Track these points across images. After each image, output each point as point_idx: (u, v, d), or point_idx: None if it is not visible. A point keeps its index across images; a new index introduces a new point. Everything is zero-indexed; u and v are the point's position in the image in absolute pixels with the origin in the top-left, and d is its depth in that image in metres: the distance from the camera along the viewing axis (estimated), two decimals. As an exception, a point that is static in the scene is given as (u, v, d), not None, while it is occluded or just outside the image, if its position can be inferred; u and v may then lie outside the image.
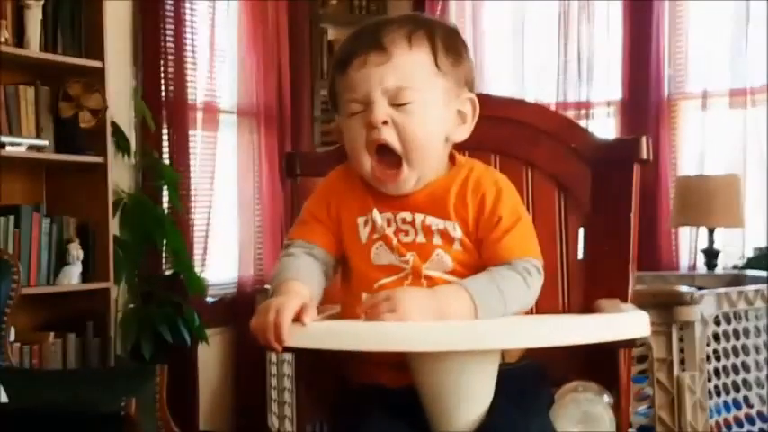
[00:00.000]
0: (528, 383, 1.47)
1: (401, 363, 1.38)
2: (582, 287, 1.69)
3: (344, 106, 1.45)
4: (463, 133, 1.50)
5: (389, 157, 1.44)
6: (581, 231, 1.73)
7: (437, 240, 1.44)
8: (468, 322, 1.37)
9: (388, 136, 1.42)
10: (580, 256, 1.72)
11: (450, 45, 1.47)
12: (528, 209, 1.71)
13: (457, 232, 1.44)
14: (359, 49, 1.43)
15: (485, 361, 1.38)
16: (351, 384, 1.52)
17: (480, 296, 1.37)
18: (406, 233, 1.45)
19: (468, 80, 1.50)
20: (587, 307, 1.62)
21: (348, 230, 1.49)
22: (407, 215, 1.46)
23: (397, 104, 1.42)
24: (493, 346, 1.35)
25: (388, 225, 1.46)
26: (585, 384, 1.50)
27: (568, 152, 1.72)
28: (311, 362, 1.61)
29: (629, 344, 1.47)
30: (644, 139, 1.69)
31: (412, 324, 1.35)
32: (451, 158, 1.52)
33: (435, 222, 1.45)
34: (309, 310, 1.33)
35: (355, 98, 1.43)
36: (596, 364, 1.53)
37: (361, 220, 1.48)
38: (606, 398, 1.49)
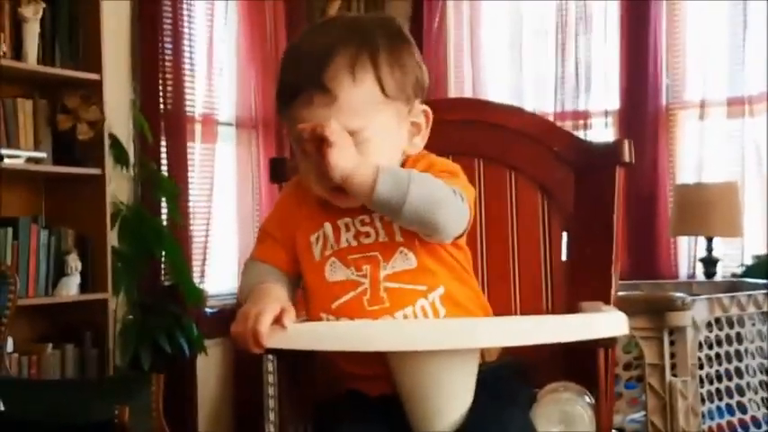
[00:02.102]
0: (508, 382, 1.48)
1: (383, 369, 1.39)
2: (565, 289, 1.70)
3: (292, 140, 1.42)
4: (419, 143, 1.48)
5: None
6: (564, 234, 1.74)
7: (399, 237, 1.42)
8: (446, 321, 1.38)
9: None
10: (563, 258, 1.73)
11: (394, 60, 1.41)
12: (512, 212, 1.73)
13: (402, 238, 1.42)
14: (302, 84, 1.37)
15: (465, 360, 1.39)
16: (332, 390, 1.52)
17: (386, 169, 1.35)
18: (367, 234, 1.43)
19: (417, 88, 1.45)
20: (570, 309, 1.63)
21: (302, 249, 1.48)
22: (366, 217, 1.44)
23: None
24: (472, 345, 1.36)
25: (347, 230, 1.44)
26: (566, 384, 1.50)
27: (551, 155, 1.73)
28: (293, 367, 1.61)
29: (608, 343, 1.48)
30: (626, 142, 1.70)
31: (390, 324, 1.36)
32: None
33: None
34: (289, 312, 1.34)
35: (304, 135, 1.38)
36: (577, 364, 1.54)
37: (313, 237, 1.47)
38: (587, 398, 1.49)
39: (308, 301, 1.48)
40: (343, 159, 1.33)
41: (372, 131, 1.39)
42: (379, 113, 1.40)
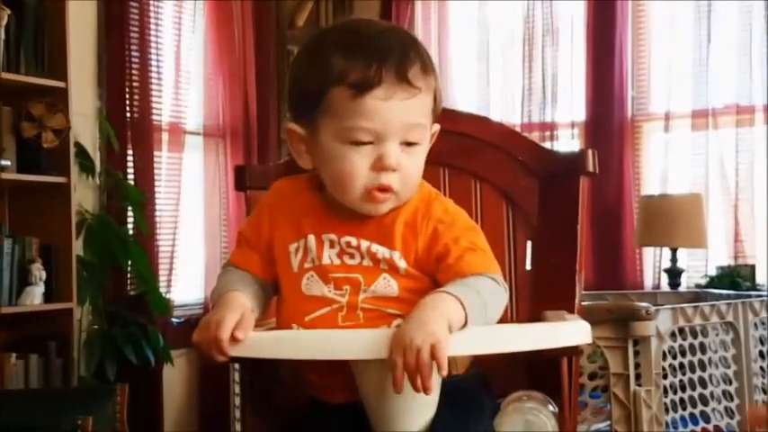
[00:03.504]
0: (471, 393, 1.47)
1: (347, 377, 1.38)
2: (529, 299, 1.71)
3: (346, 131, 1.36)
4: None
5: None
6: (529, 243, 1.75)
7: (383, 265, 1.41)
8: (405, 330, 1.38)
9: (393, 181, 1.38)
10: (528, 267, 1.74)
11: (437, 75, 1.43)
12: (477, 222, 1.73)
13: (402, 262, 1.41)
14: (383, 77, 1.33)
15: (429, 370, 1.39)
16: (297, 398, 1.52)
17: (465, 298, 1.33)
18: (352, 256, 1.42)
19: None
20: (534, 318, 1.64)
21: (280, 257, 1.46)
22: (353, 239, 1.42)
23: (406, 143, 1.37)
24: (435, 354, 1.36)
25: (332, 246, 1.42)
26: (530, 394, 1.50)
27: (515, 165, 1.74)
28: (258, 376, 1.61)
29: (572, 352, 1.49)
30: (590, 152, 1.71)
31: (352, 333, 1.36)
32: None
33: (381, 251, 1.41)
34: (245, 324, 1.33)
35: (368, 128, 1.35)
36: (541, 374, 1.55)
37: (292, 247, 1.44)
38: (551, 407, 1.50)
39: (280, 308, 1.47)
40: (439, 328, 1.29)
41: (422, 143, 1.40)
42: (429, 125, 1.42)
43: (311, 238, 1.43)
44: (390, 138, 1.36)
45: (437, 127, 1.46)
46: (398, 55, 1.35)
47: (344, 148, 1.37)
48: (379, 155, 1.36)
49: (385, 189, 1.38)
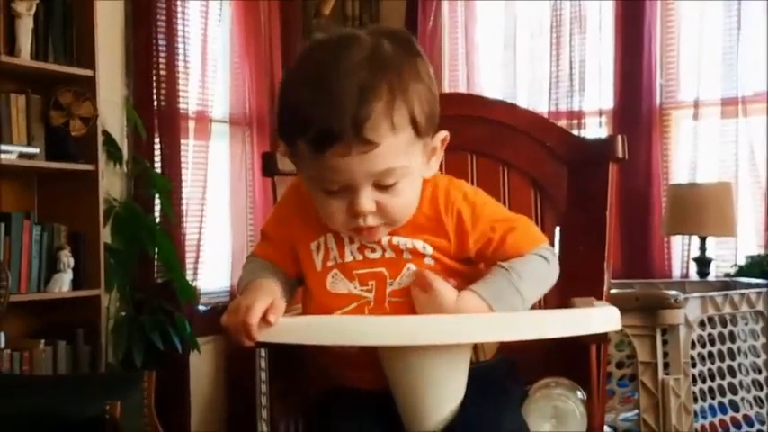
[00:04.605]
0: (500, 379, 1.47)
1: (374, 364, 1.38)
2: (557, 285, 1.70)
3: (315, 180, 1.35)
4: (435, 166, 1.43)
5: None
6: (557, 230, 1.74)
7: (407, 255, 1.40)
8: (438, 317, 1.37)
9: (374, 222, 1.36)
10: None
11: (423, 94, 1.34)
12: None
13: (427, 249, 1.40)
14: (338, 134, 1.28)
15: (456, 357, 1.38)
16: (324, 385, 1.52)
17: (492, 293, 1.36)
18: (373, 250, 1.41)
19: (438, 113, 1.38)
20: (562, 305, 1.62)
21: (303, 255, 1.45)
22: None
23: (383, 186, 1.33)
24: (464, 340, 1.35)
25: (351, 242, 1.42)
26: (558, 380, 1.50)
27: (544, 151, 1.73)
28: (285, 362, 1.61)
29: (601, 339, 1.48)
30: (619, 138, 1.70)
31: (381, 319, 1.35)
32: None
33: (403, 241, 1.40)
34: (276, 308, 1.33)
35: (335, 180, 1.33)
36: (570, 360, 1.54)
37: (313, 245, 1.44)
38: (579, 394, 1.49)
39: (307, 306, 1.46)
40: (447, 300, 1.34)
41: (405, 178, 1.35)
42: (412, 155, 1.35)
43: (330, 237, 1.43)
44: (359, 185, 1.32)
45: (444, 134, 1.41)
46: (355, 107, 1.27)
47: (319, 191, 1.36)
48: (350, 202, 1.34)
49: (369, 227, 1.36)
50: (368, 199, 1.33)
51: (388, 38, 1.35)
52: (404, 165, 1.33)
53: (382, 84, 1.30)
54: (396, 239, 1.40)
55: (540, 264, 1.42)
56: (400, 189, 1.35)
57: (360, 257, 1.42)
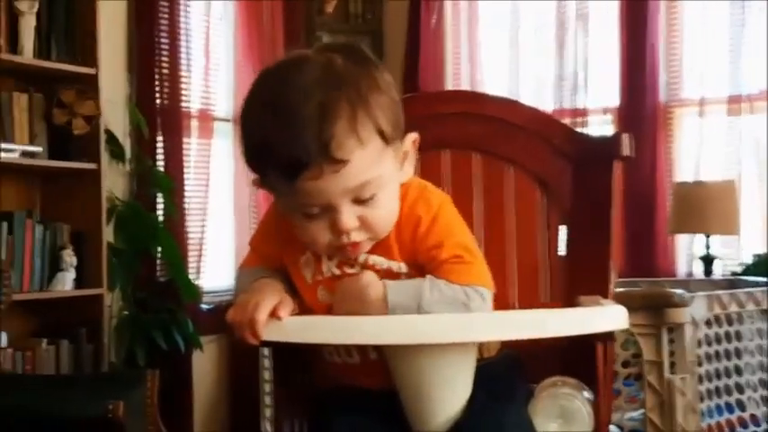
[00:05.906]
0: (505, 377, 1.46)
1: (377, 372, 1.38)
2: (563, 284, 1.69)
3: (297, 207, 1.34)
4: (409, 170, 1.42)
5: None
6: (562, 228, 1.72)
7: (382, 275, 1.39)
8: (446, 316, 1.36)
9: (358, 237, 1.35)
10: (561, 252, 1.72)
11: (383, 101, 1.32)
12: (509, 206, 1.71)
13: (402, 268, 1.40)
14: (306, 159, 1.26)
15: (462, 355, 1.37)
16: (329, 384, 1.51)
17: (396, 285, 1.35)
18: (351, 265, 1.41)
19: (403, 118, 1.37)
20: (568, 304, 1.61)
21: (293, 269, 1.45)
22: None
23: (362, 200, 1.32)
24: (469, 338, 1.34)
25: (330, 259, 1.41)
26: (564, 379, 1.48)
27: (549, 148, 1.71)
28: (289, 361, 1.60)
29: (607, 338, 1.46)
30: (625, 136, 1.68)
31: (386, 318, 1.34)
32: None
33: (379, 261, 1.40)
34: (286, 305, 1.33)
35: (313, 203, 1.32)
36: (576, 359, 1.52)
37: (303, 259, 1.43)
38: (585, 393, 1.48)
39: (302, 312, 1.44)
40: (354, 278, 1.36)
41: (382, 188, 1.34)
42: (384, 162, 1.33)
43: (308, 254, 1.42)
44: (338, 204, 1.31)
45: (413, 136, 1.40)
46: (317, 129, 1.26)
47: (298, 216, 1.35)
48: (332, 221, 1.33)
49: (353, 243, 1.36)
50: (350, 216, 1.32)
51: (338, 53, 1.34)
52: (378, 175, 1.32)
53: (341, 100, 1.28)
54: (372, 259, 1.40)
55: (459, 297, 1.36)
56: (379, 200, 1.34)
57: (338, 272, 1.41)
